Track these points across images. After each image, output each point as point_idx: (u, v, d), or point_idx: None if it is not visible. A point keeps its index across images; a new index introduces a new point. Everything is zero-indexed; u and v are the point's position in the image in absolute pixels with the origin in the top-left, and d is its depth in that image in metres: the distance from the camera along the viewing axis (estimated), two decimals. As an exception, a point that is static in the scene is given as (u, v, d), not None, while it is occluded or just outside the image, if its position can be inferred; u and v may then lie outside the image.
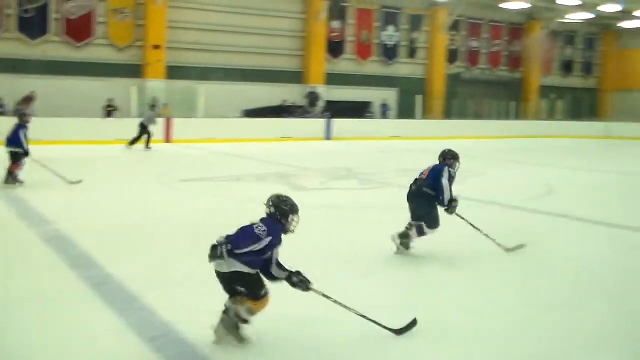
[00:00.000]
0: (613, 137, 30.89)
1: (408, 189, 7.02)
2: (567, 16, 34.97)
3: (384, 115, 29.72)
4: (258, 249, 4.16)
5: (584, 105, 38.50)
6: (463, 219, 6.99)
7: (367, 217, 9.57)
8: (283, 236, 4.36)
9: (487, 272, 6.59)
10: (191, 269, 5.92)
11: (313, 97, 27.56)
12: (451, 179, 6.81)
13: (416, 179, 6.97)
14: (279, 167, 15.90)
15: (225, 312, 4.29)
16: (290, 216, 4.38)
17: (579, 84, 39.77)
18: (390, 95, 30.50)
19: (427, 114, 31.03)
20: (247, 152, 19.49)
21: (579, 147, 26.74)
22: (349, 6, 29.21)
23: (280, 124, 24.77)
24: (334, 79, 28.58)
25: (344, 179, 14.39)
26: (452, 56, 33.35)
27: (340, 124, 25.43)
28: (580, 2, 30.71)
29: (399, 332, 4.56)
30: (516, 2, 31.16)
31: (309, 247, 6.84)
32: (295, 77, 28.17)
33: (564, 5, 31.99)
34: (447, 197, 6.71)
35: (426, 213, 6.77)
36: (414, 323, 4.57)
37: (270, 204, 4.39)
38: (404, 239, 6.86)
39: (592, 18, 35.52)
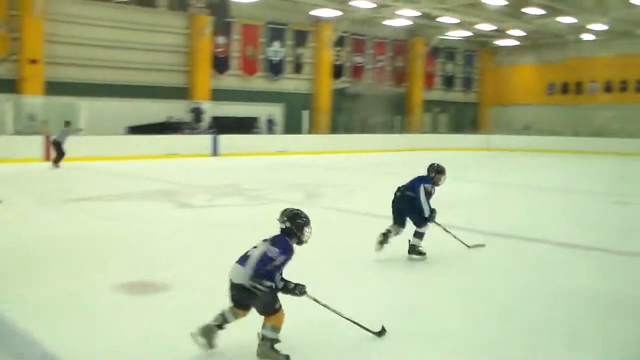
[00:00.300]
0: (492, 149, 33.47)
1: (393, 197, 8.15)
2: (448, 33, 37.52)
3: (270, 130, 30.61)
4: (271, 267, 4.62)
5: (465, 119, 41.24)
6: (438, 224, 8.24)
7: (253, 234, 9.99)
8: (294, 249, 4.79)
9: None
10: (72, 291, 6.25)
11: (198, 113, 28.07)
12: (427, 194, 7.98)
13: (399, 187, 8.15)
14: (164, 185, 16.10)
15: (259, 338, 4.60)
16: (305, 228, 4.83)
17: (460, 99, 42.67)
18: (276, 111, 31.53)
19: (313, 129, 32.25)
20: (131, 170, 19.65)
21: (461, 158, 28.68)
22: (234, 22, 29.85)
23: (166, 141, 25.08)
24: (219, 95, 29.20)
25: (231, 195, 14.63)
26: (338, 71, 34.92)
27: (227, 140, 26.08)
28: (459, 21, 33.00)
29: (380, 333, 5.12)
30: (399, 19, 32.97)
31: (191, 265, 7.56)
32: (180, 93, 28.55)
33: (444, 23, 34.33)
34: (425, 211, 7.86)
35: (415, 217, 7.97)
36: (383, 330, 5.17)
37: (285, 218, 4.81)
38: (385, 239, 7.94)
39: (470, 36, 38.26)
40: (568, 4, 29.11)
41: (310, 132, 31.89)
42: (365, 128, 34.24)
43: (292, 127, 31.33)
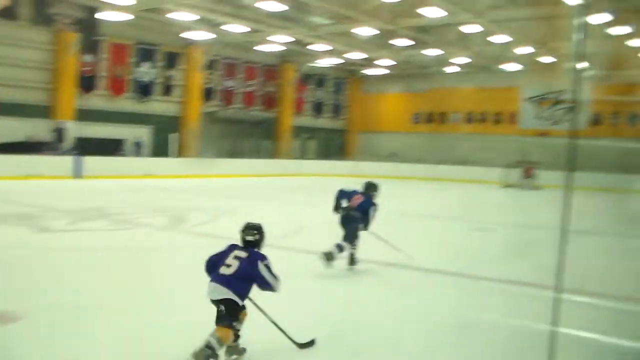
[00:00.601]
0: (360, 175, 35.04)
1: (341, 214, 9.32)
2: (318, 60, 39.16)
3: (138, 153, 30.58)
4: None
5: (334, 145, 42.91)
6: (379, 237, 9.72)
7: (116, 260, 9.80)
8: None
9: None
10: None
11: (61, 133, 27.57)
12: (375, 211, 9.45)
13: (344, 206, 9.42)
14: (21, 208, 15.81)
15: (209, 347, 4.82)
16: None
17: (329, 125, 44.50)
18: (144, 133, 31.54)
19: (181, 152, 32.50)
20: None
21: (329, 184, 29.85)
22: (103, 40, 29.72)
23: (24, 161, 24.42)
24: (85, 115, 28.78)
25: (94, 219, 14.40)
26: (208, 94, 35.54)
27: (91, 162, 25.85)
28: (329, 48, 34.58)
29: (302, 346, 5.58)
30: (270, 44, 34.07)
31: (48, 295, 7.47)
32: (42, 111, 27.89)
33: (315, 50, 35.83)
34: (371, 224, 9.45)
35: (355, 234, 9.33)
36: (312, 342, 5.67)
37: (256, 232, 5.34)
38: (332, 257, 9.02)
39: (341, 63, 40.08)
40: (433, 37, 31.40)
41: (178, 156, 32.08)
42: (234, 152, 34.82)
43: (160, 150, 31.37)
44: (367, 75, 44.26)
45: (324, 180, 31.22)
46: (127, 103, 31.49)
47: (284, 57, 39.08)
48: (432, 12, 24.80)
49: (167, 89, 33.31)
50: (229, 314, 5.03)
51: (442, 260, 10.92)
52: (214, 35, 31.51)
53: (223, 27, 29.99)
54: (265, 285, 5.16)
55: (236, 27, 29.57)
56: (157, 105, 32.89)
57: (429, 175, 35.01)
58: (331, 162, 38.89)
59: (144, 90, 32.10)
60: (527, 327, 6.88)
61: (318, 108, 43.74)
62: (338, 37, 31.57)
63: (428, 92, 42.30)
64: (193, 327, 5.58)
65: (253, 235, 5.36)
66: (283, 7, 25.46)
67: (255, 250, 5.30)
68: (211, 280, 5.16)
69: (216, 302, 5.08)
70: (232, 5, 26.52)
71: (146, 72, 32.01)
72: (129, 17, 27.15)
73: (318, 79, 43.11)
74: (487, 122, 40.37)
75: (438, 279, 9.51)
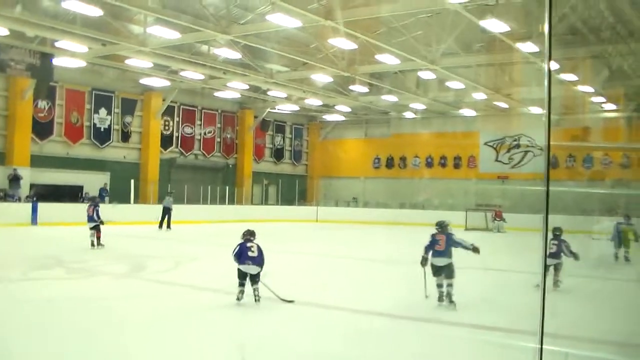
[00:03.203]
0: (320, 221, 35.50)
1: None
2: (277, 107, 39.76)
3: (103, 199, 30.32)
4: None
5: (294, 191, 43.24)
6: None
7: (74, 311, 9.72)
8: None
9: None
10: None
11: (16, 180, 27.45)
12: None
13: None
14: None
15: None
16: None
17: (289, 171, 45.01)
18: (102, 180, 31.42)
19: (140, 199, 32.49)
20: None
21: (290, 230, 30.13)
22: (58, 86, 30.03)
23: (-23, 208, 24.32)
24: (40, 161, 28.90)
25: (51, 267, 14.36)
26: (167, 141, 35.84)
27: (48, 209, 25.80)
28: (287, 95, 35.16)
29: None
30: (228, 91, 34.64)
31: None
32: (-3, 157, 27.91)
33: (273, 97, 36.42)
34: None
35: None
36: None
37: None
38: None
39: (299, 110, 40.70)
40: (391, 83, 32.20)
41: (137, 202, 32.04)
42: (194, 199, 34.89)
43: (119, 196, 31.30)
44: (326, 121, 45.10)
45: (286, 225, 31.43)
46: (84, 149, 31.62)
47: (242, 104, 39.73)
48: (387, 59, 25.52)
49: (125, 136, 33.53)
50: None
51: (405, 304, 11.07)
52: (170, 82, 31.92)
53: (181, 74, 30.41)
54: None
55: (193, 74, 30.10)
56: (115, 152, 33.09)
57: (391, 220, 35.46)
58: (292, 207, 39.24)
59: (101, 136, 32.28)
60: None
61: (278, 154, 44.26)
62: (295, 83, 32.21)
63: (388, 138, 43.16)
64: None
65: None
66: (237, 55, 26.01)
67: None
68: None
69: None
70: (188, 52, 26.96)
71: (103, 118, 32.23)
72: (83, 63, 27.50)
73: (277, 125, 43.75)
74: (447, 167, 41.15)
75: (399, 325, 9.54)
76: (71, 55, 25.94)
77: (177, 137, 36.71)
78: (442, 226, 10.98)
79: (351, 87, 33.31)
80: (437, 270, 10.72)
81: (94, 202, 19.21)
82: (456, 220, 32.96)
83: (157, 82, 31.67)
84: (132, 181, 31.29)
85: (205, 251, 19.49)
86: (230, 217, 33.18)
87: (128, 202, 31.04)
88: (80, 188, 30.33)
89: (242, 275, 10.21)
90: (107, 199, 30.64)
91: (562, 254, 12.03)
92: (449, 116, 39.15)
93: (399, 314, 10.20)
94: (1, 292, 11.39)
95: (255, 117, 40.75)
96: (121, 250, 18.89)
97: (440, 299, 10.58)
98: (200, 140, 38.15)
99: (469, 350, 8.18)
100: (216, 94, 35.74)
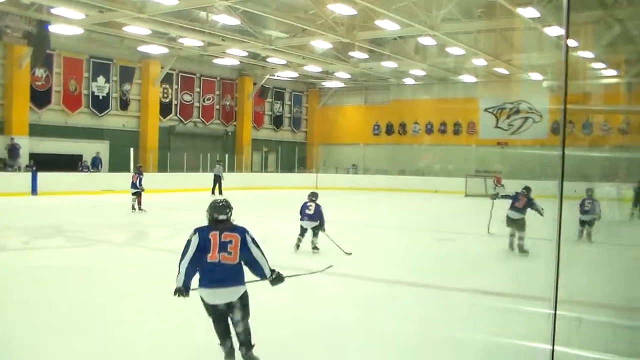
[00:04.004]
0: (321, 188, 35.38)
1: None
2: (276, 74, 39.53)
3: (97, 168, 30.45)
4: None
5: (294, 158, 43.22)
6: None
7: (75, 279, 9.76)
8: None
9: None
10: None
11: (15, 149, 27.35)
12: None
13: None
14: None
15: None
16: None
17: (289, 138, 44.91)
18: (101, 148, 31.42)
19: (141, 167, 32.30)
20: None
21: (289, 197, 30.09)
22: (55, 54, 29.73)
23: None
24: (39, 130, 28.74)
25: (51, 237, 14.40)
26: (166, 109, 35.68)
27: (47, 178, 25.77)
28: (286, 62, 34.93)
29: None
30: (227, 58, 34.39)
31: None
32: (-5, 127, 27.79)
33: (272, 64, 36.20)
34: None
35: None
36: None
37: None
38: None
39: (298, 76, 40.50)
40: (390, 49, 32.01)
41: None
42: (193, 166, 34.86)
43: (118, 165, 31.27)
44: (325, 87, 44.87)
45: (286, 192, 31.45)
46: (82, 118, 31.45)
47: (241, 71, 39.46)
48: (387, 25, 25.31)
49: (124, 104, 33.34)
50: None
51: (407, 270, 11.11)
52: (169, 49, 31.70)
53: (179, 41, 30.18)
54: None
55: (191, 41, 29.88)
56: (114, 120, 32.94)
57: (391, 186, 35.53)
58: (292, 174, 39.26)
59: (99, 105, 32.08)
60: (496, 342, 6.88)
61: (277, 121, 44.11)
62: (294, 50, 31.99)
63: (387, 104, 42.99)
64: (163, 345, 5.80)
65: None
66: (236, 21, 25.81)
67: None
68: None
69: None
70: (186, 19, 26.72)
71: (101, 86, 32.01)
72: (80, 31, 27.25)
73: (276, 92, 43.51)
74: (447, 133, 41.06)
75: (402, 291, 9.56)
76: (68, 23, 25.71)
77: (176, 105, 36.52)
78: (528, 190, 12.90)
79: (350, 54, 33.07)
80: (511, 222, 12.70)
81: (139, 171, 21.61)
82: (457, 186, 33.22)
83: (156, 49, 31.43)
84: (132, 149, 31.17)
85: (203, 219, 19.33)
86: (231, 185, 33.10)
87: (128, 170, 30.94)
88: (80, 157, 30.27)
89: (301, 229, 12.49)
90: (101, 167, 30.69)
91: (596, 211, 14.28)
92: (449, 82, 38.96)
93: (404, 280, 10.20)
94: (2, 261, 11.42)
95: (254, 84, 40.53)
96: (122, 219, 18.92)
97: (510, 247, 12.76)
98: (199, 107, 37.98)
99: (467, 314, 8.24)
100: (215, 61, 35.49)
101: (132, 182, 21.07)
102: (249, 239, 5.41)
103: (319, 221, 12.34)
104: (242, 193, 30.79)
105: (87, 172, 29.41)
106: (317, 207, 12.43)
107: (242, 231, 5.49)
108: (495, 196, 14.44)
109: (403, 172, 38.97)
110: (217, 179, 30.25)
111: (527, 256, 12.24)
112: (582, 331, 6.79)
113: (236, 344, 5.40)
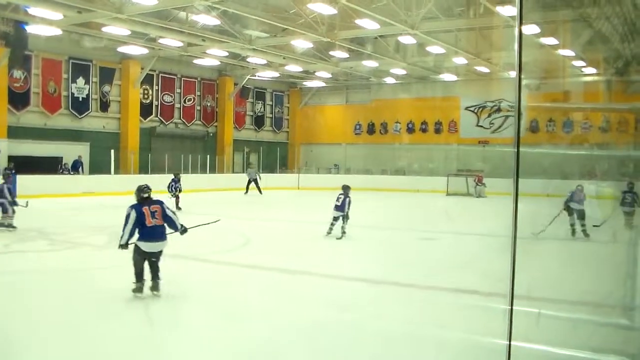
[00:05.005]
0: (302, 188, 35.45)
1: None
2: (257, 74, 39.35)
3: (77, 170, 30.16)
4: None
5: (275, 158, 43.08)
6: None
7: (59, 282, 9.87)
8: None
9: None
10: None
11: (-8, 152, 26.96)
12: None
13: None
14: None
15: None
16: None
17: (270, 138, 44.79)
18: (81, 150, 31.12)
19: (120, 169, 32.19)
20: None
21: (272, 198, 30.10)
22: (34, 55, 29.38)
23: (-46, 182, 23.90)
24: (18, 133, 28.35)
25: (32, 240, 14.38)
26: (146, 110, 35.41)
27: (26, 181, 25.39)
28: (266, 61, 34.82)
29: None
30: (208, 58, 34.23)
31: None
32: (-28, 130, 27.35)
33: (253, 64, 36.04)
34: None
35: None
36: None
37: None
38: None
39: (279, 76, 40.40)
40: (371, 48, 32.00)
41: (117, 172, 31.73)
42: (174, 168, 34.62)
43: (99, 167, 31.02)
44: (307, 87, 44.82)
45: (268, 193, 31.40)
46: (62, 120, 31.10)
47: (222, 71, 39.32)
48: (367, 24, 25.29)
49: (104, 105, 32.99)
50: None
51: (389, 270, 11.13)
52: (149, 50, 31.49)
53: (159, 41, 29.98)
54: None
55: (171, 41, 29.71)
56: (94, 122, 32.62)
57: (372, 186, 35.48)
58: (273, 175, 39.10)
59: (79, 106, 31.71)
60: (477, 341, 6.93)
61: (259, 121, 43.97)
62: (275, 50, 31.88)
63: (368, 104, 43.03)
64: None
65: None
66: (216, 21, 25.70)
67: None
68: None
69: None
70: (166, 19, 26.55)
71: (81, 87, 31.65)
72: (58, 31, 26.92)
73: (257, 92, 43.39)
74: (428, 132, 41.14)
75: (384, 290, 9.59)
76: (46, 23, 25.40)
77: (157, 106, 36.24)
78: (582, 187, 14.74)
79: (331, 53, 33.04)
80: (573, 212, 14.64)
81: (177, 177, 23.41)
82: (438, 185, 33.28)
83: (135, 50, 31.20)
84: (112, 151, 30.94)
85: (185, 220, 19.23)
86: (212, 186, 33.04)
87: (108, 172, 30.76)
88: (60, 159, 30.02)
89: (333, 217, 14.85)
90: (81, 170, 30.40)
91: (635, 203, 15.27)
92: (430, 81, 39.00)
93: (386, 280, 10.21)
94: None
95: (235, 84, 40.36)
96: (102, 221, 18.73)
97: (573, 233, 14.64)
98: (180, 108, 37.74)
99: (449, 313, 8.26)
100: (195, 61, 35.32)
101: (169, 185, 22.95)
102: (166, 208, 8.72)
103: (343, 212, 14.56)
104: (224, 194, 30.68)
105: (67, 174, 29.16)
106: (345, 199, 14.71)
107: (161, 203, 8.80)
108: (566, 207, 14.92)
109: (385, 171, 39.02)
110: (250, 182, 31.65)
111: (589, 239, 14.24)
112: (580, 331, 6.89)
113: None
